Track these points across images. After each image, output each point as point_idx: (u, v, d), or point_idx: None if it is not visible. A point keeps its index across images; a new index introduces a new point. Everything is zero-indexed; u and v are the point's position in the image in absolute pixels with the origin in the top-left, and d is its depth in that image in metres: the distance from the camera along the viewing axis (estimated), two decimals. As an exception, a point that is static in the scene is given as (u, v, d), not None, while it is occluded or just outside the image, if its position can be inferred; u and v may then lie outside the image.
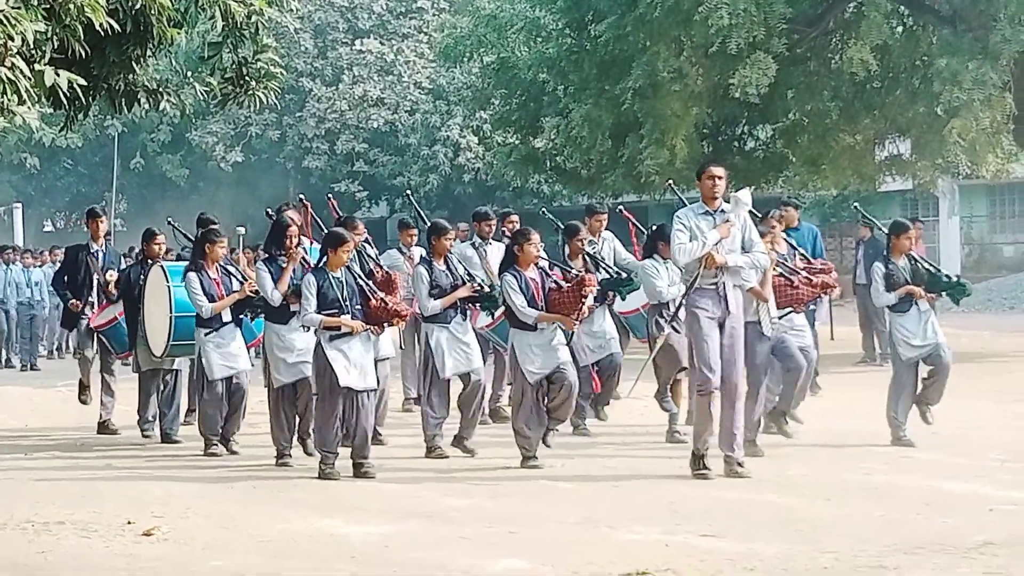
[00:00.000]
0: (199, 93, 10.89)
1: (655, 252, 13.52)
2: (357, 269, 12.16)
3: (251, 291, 12.98)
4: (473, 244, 15.25)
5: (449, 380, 12.77)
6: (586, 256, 13.69)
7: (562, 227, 13.96)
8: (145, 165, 50.43)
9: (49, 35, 8.36)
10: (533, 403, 12.03)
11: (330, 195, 16.35)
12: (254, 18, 10.13)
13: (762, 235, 12.28)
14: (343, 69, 46.71)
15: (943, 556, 8.39)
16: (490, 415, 15.01)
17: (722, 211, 11.36)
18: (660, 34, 22.72)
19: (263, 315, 12.87)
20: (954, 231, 43.96)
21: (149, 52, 10.19)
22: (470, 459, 12.50)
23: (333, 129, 46.58)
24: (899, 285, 12.91)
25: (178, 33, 9.98)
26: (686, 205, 11.67)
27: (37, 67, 7.87)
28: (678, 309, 12.02)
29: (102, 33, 8.67)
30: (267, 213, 13.78)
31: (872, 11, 22.04)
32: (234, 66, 10.65)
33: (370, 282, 12.07)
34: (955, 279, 13.31)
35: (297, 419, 12.71)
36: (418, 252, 14.63)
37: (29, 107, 7.93)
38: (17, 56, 7.59)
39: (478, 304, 13.01)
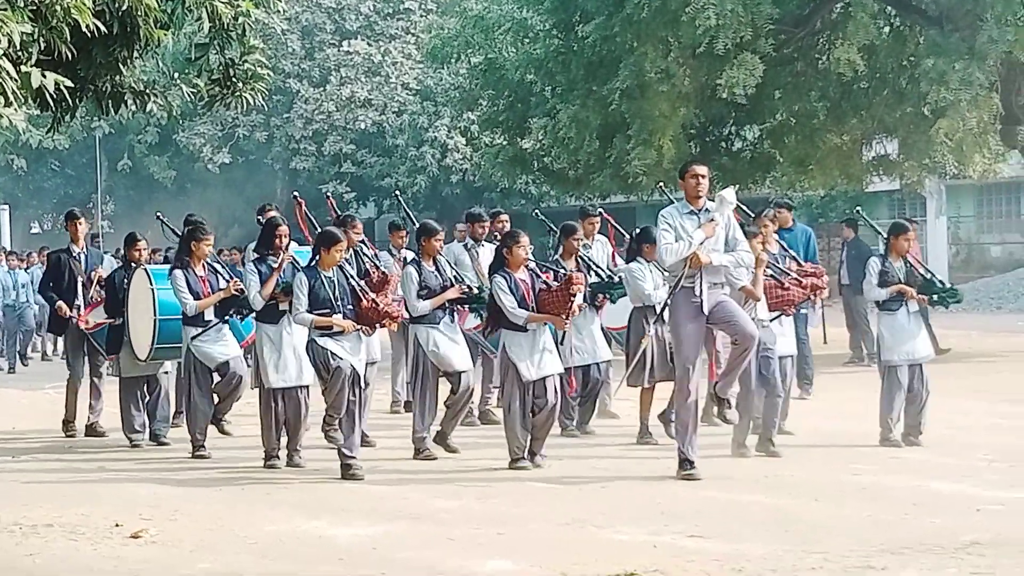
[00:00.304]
0: (186, 94, 10.85)
1: (639, 255, 13.52)
2: (350, 270, 12.14)
3: (236, 290, 12.95)
4: (465, 245, 15.22)
5: (438, 381, 12.76)
6: (579, 257, 13.72)
7: (555, 228, 13.97)
8: (132, 167, 50.40)
9: (35, 37, 8.33)
10: (522, 404, 12.02)
11: (328, 194, 16.31)
12: (241, 19, 10.09)
13: (754, 235, 12.31)
14: (330, 70, 46.70)
15: (931, 556, 8.41)
16: (479, 417, 15.02)
17: (706, 210, 11.36)
18: (647, 35, 22.72)
19: (254, 315, 12.84)
20: (941, 231, 43.99)
21: (136, 53, 10.15)
22: (458, 461, 12.48)
23: (321, 130, 46.58)
24: (891, 284, 12.92)
25: (165, 34, 9.95)
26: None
27: (23, 69, 7.84)
28: (663, 310, 12.03)
29: (88, 35, 8.64)
30: (258, 220, 13.74)
31: (859, 11, 22.07)
32: (221, 67, 10.62)
33: (363, 282, 12.07)
34: (948, 286, 13.34)
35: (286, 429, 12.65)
36: (409, 254, 14.61)
37: (15, 109, 7.90)
38: (3, 58, 7.57)
39: (466, 306, 13.00)
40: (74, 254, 15.23)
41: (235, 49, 10.47)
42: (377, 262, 13.34)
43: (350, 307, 11.76)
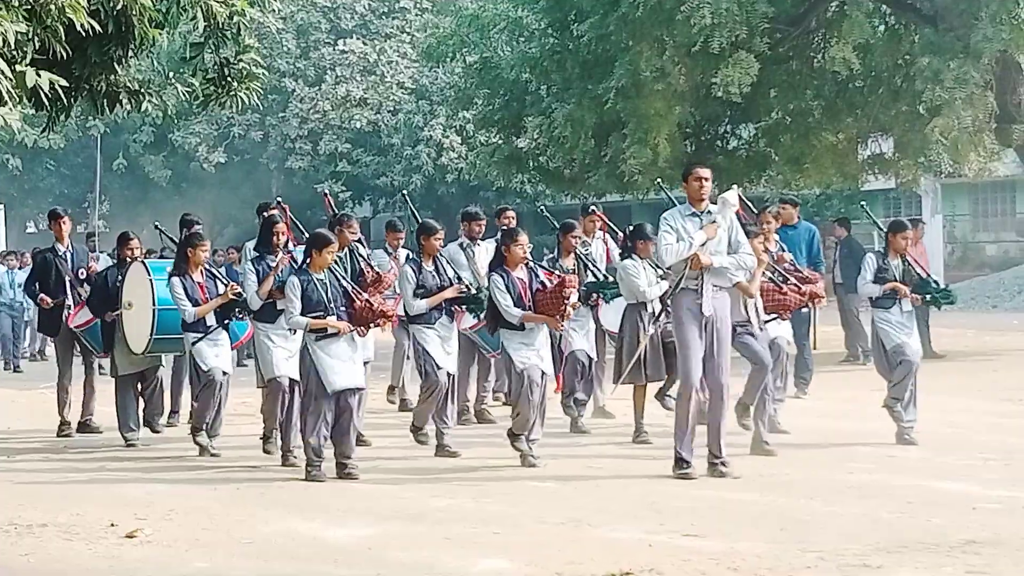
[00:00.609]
0: (181, 94, 10.84)
1: (633, 252, 13.52)
2: (341, 271, 12.12)
3: (233, 294, 12.93)
4: (461, 244, 15.20)
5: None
6: (578, 255, 13.72)
7: (557, 225, 13.99)
8: (128, 166, 50.37)
9: (30, 36, 8.33)
10: (534, 390, 11.98)
11: (325, 192, 16.29)
12: (236, 19, 10.10)
13: (755, 234, 12.32)
14: (326, 69, 46.70)
15: (927, 555, 8.41)
16: (475, 415, 15.02)
17: (708, 212, 11.35)
18: (642, 34, 22.70)
19: (251, 316, 12.82)
20: (937, 230, 44.00)
21: (131, 53, 10.15)
22: (453, 460, 12.48)
23: (316, 129, 46.58)
24: (887, 281, 12.92)
25: (160, 34, 9.95)
26: (676, 204, 11.63)
27: (18, 68, 7.84)
28: (663, 310, 12.02)
29: (83, 34, 8.64)
30: (259, 216, 13.72)
31: (854, 10, 22.06)
32: (216, 67, 10.62)
33: (355, 283, 12.05)
34: (943, 287, 13.35)
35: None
36: (404, 254, 14.57)
37: (11, 108, 7.91)
38: (-2, 57, 7.57)
39: (463, 306, 12.98)
40: (59, 253, 15.19)
41: (230, 48, 10.48)
42: (371, 262, 13.31)
43: (343, 308, 11.74)
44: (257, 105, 11.76)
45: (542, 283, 12.15)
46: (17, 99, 8.05)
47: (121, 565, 8.63)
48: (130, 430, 14.08)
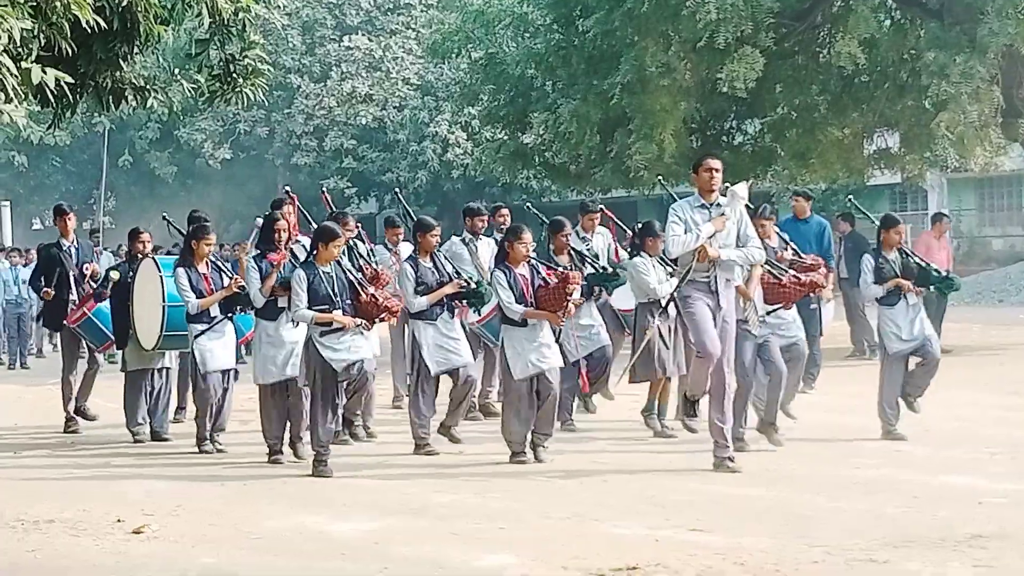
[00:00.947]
0: (187, 90, 10.87)
1: (642, 249, 13.51)
2: (347, 264, 12.14)
3: (237, 287, 12.95)
4: (463, 239, 15.21)
5: (438, 377, 12.76)
6: (572, 252, 13.70)
7: (547, 222, 13.96)
8: (133, 162, 50.43)
9: (36, 33, 8.34)
10: (522, 399, 12.02)
11: (324, 189, 16.30)
12: (241, 15, 10.11)
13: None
14: (331, 65, 46.73)
15: (933, 549, 8.41)
16: (480, 410, 15.02)
17: (718, 204, 11.33)
18: (648, 29, 22.69)
19: (252, 311, 12.83)
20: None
21: (136, 49, 10.17)
22: (459, 455, 12.48)
23: (321, 125, 46.62)
24: (888, 278, 12.92)
25: (165, 30, 9.96)
26: (676, 200, 11.62)
27: (24, 65, 7.85)
28: (668, 303, 12.01)
29: (89, 30, 8.65)
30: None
31: (860, 5, 22.03)
32: (221, 63, 10.64)
33: (360, 275, 12.06)
34: (944, 273, 13.32)
35: (287, 421, 12.64)
36: (405, 249, 14.58)
37: (16, 105, 7.91)
38: (4, 54, 7.58)
39: (465, 300, 12.99)
40: (64, 248, 15.22)
41: (235, 44, 10.49)
42: (370, 259, 13.30)
43: (349, 302, 11.75)
44: (263, 101, 11.77)
45: (544, 280, 12.14)
46: (23, 96, 8.06)
47: (128, 561, 8.65)
48: (137, 424, 14.10)
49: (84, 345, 15.03)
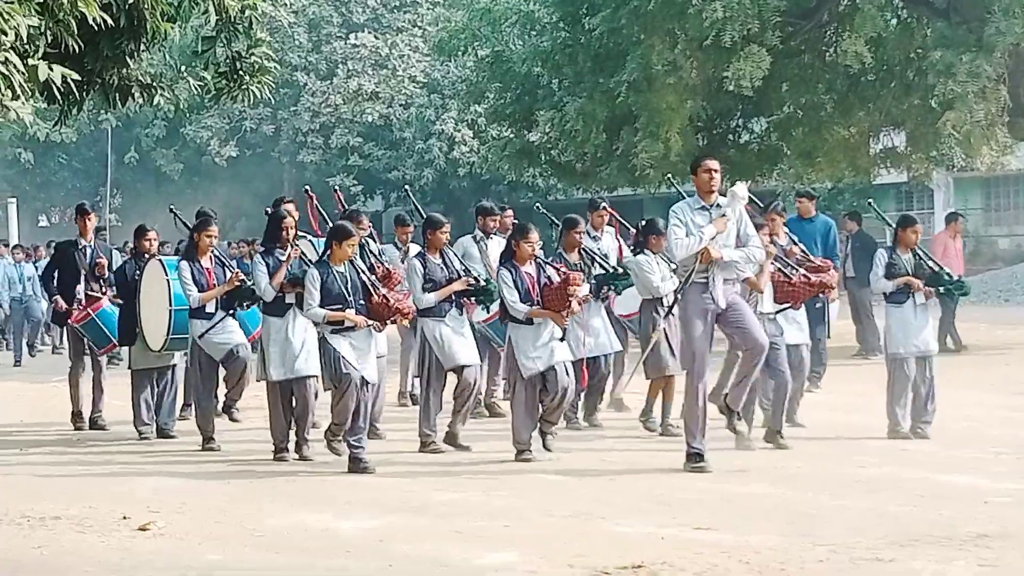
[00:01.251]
0: (193, 87, 10.85)
1: (645, 247, 13.50)
2: (360, 264, 12.13)
3: (238, 281, 12.98)
4: (474, 238, 15.22)
5: (446, 374, 12.76)
6: (582, 250, 13.70)
7: (557, 222, 13.96)
8: (140, 160, 50.48)
9: (42, 30, 8.34)
10: (528, 398, 12.02)
11: (336, 188, 16.30)
12: (248, 12, 10.12)
13: (761, 227, 12.30)
14: (337, 63, 46.74)
15: (938, 548, 8.40)
16: (485, 408, 15.02)
17: (718, 205, 11.34)
18: (654, 27, 22.71)
19: (261, 308, 12.84)
20: (949, 224, 43.94)
21: (143, 46, 10.17)
22: (464, 453, 12.48)
23: (327, 123, 46.62)
24: (900, 276, 12.91)
25: (171, 27, 9.96)
26: (685, 198, 11.63)
27: (31, 62, 7.84)
28: (673, 304, 12.02)
29: (95, 27, 8.65)
30: (266, 211, 13.75)
31: (866, 3, 22.03)
32: (228, 60, 10.64)
33: (373, 277, 12.06)
34: (956, 277, 13.32)
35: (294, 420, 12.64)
36: (414, 249, 14.57)
37: (23, 102, 7.91)
38: (11, 51, 7.58)
39: (473, 298, 12.98)
40: (80, 247, 15.23)
41: (242, 42, 10.49)
42: (382, 258, 13.29)
43: (361, 302, 11.75)
44: (269, 99, 11.76)
45: (549, 279, 12.14)
46: (29, 93, 8.06)
47: (133, 558, 8.65)
48: (143, 423, 14.10)
49: (87, 344, 15.03)
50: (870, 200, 15.87)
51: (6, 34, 7.49)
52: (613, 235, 14.88)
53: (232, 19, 10.09)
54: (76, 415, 15.04)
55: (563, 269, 12.45)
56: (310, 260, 12.24)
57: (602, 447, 12.83)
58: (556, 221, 14.14)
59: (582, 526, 9.32)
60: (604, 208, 14.87)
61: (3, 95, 7.65)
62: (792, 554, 8.30)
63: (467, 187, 45.90)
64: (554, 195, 41.86)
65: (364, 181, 47.31)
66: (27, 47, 8.08)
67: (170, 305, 13.47)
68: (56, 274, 15.44)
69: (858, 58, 21.97)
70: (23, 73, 7.67)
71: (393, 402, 15.59)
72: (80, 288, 14.96)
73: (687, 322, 11.37)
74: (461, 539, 9.00)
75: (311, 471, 11.77)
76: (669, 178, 15.73)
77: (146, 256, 14.45)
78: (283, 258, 12.44)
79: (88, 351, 15.03)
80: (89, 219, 15.42)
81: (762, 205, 13.42)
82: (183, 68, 11.17)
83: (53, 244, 24.76)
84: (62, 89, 8.34)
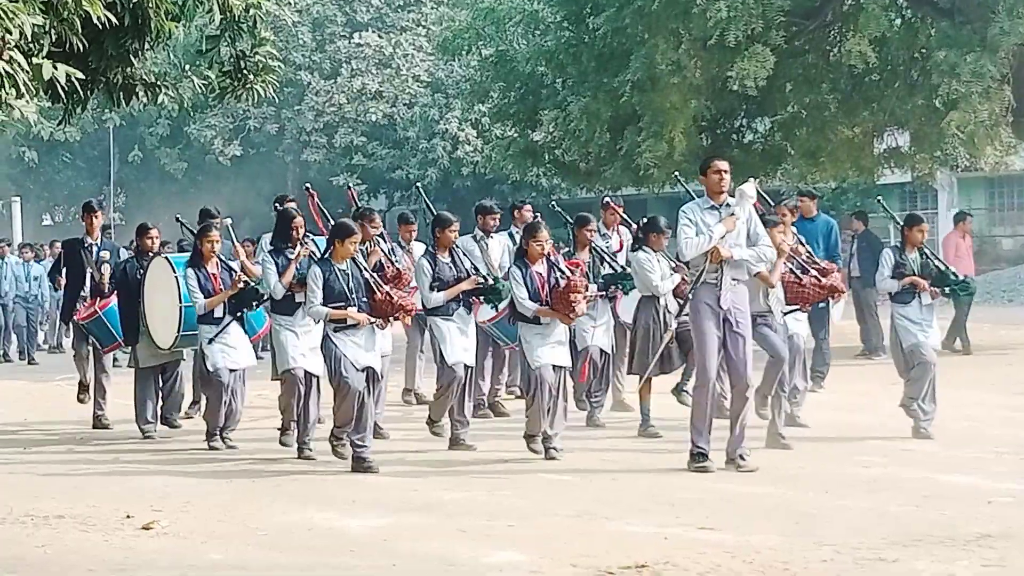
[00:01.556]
0: (197, 86, 10.86)
1: (646, 244, 13.49)
2: (364, 262, 12.11)
3: (242, 283, 12.98)
4: (474, 237, 15.21)
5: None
6: (593, 249, 13.71)
7: (571, 220, 13.98)
8: (143, 159, 50.48)
9: (47, 28, 8.35)
10: (544, 387, 11.96)
11: (350, 186, 16.28)
12: (252, 11, 10.12)
13: (774, 224, 12.32)
14: (341, 62, 46.75)
15: (941, 548, 8.41)
16: (489, 408, 15.02)
17: (727, 205, 11.34)
18: (658, 27, 22.69)
19: (269, 307, 12.84)
20: (952, 224, 43.92)
21: (147, 45, 10.17)
22: (468, 453, 12.49)
23: (331, 122, 46.62)
24: (905, 276, 12.91)
25: (176, 26, 9.96)
26: (694, 197, 11.65)
27: (35, 60, 7.84)
28: (684, 305, 12.00)
29: (100, 26, 8.65)
30: (274, 207, 13.74)
31: (870, 3, 22.00)
32: (232, 59, 10.64)
33: (376, 276, 12.05)
34: (962, 278, 13.31)
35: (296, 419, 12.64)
36: (418, 248, 14.55)
37: (27, 101, 7.91)
38: (15, 49, 7.58)
39: (481, 297, 12.98)
40: (86, 245, 15.24)
41: (246, 41, 10.50)
42: (393, 257, 13.26)
43: (364, 300, 11.76)
44: (273, 98, 11.78)
45: (557, 279, 12.13)
46: (33, 92, 8.06)
47: (137, 557, 8.66)
48: (147, 422, 14.10)
49: (89, 343, 15.02)
50: (879, 197, 15.84)
51: (10, 33, 7.49)
52: (624, 234, 14.85)
53: (236, 18, 10.09)
54: (82, 386, 15.07)
55: (571, 269, 12.44)
56: (317, 260, 12.24)
57: (604, 447, 12.83)
58: (570, 220, 14.16)
59: (586, 525, 9.33)
60: (619, 205, 14.90)
61: (7, 94, 7.65)
62: (795, 554, 8.31)
63: (471, 186, 45.87)
64: (558, 194, 41.84)
65: (368, 180, 47.30)
66: (31, 46, 8.09)
67: (180, 302, 13.46)
68: (64, 272, 15.45)
69: (862, 58, 21.96)
70: (27, 72, 7.67)
71: (396, 400, 15.59)
72: (87, 288, 14.98)
73: (697, 320, 11.37)
74: (465, 538, 9.00)
75: (315, 470, 11.78)
76: (676, 176, 15.75)
77: (149, 254, 14.43)
78: (292, 257, 12.45)
79: (92, 349, 15.03)
80: (96, 217, 15.42)
81: (772, 203, 13.43)
82: (187, 67, 11.17)
83: (56, 243, 24.81)
84: (66, 88, 8.34)
